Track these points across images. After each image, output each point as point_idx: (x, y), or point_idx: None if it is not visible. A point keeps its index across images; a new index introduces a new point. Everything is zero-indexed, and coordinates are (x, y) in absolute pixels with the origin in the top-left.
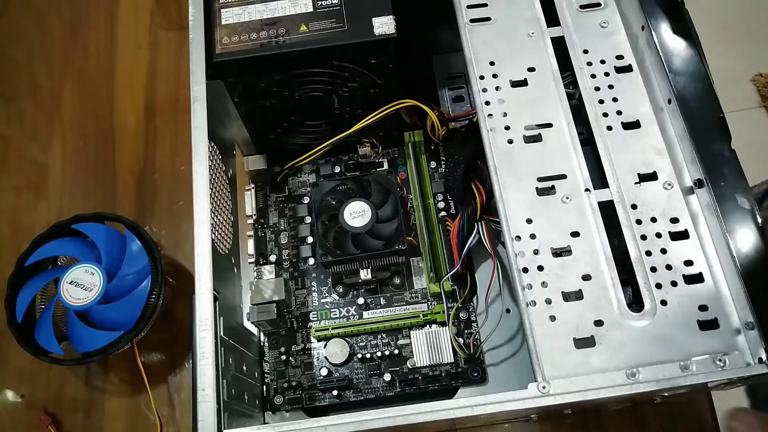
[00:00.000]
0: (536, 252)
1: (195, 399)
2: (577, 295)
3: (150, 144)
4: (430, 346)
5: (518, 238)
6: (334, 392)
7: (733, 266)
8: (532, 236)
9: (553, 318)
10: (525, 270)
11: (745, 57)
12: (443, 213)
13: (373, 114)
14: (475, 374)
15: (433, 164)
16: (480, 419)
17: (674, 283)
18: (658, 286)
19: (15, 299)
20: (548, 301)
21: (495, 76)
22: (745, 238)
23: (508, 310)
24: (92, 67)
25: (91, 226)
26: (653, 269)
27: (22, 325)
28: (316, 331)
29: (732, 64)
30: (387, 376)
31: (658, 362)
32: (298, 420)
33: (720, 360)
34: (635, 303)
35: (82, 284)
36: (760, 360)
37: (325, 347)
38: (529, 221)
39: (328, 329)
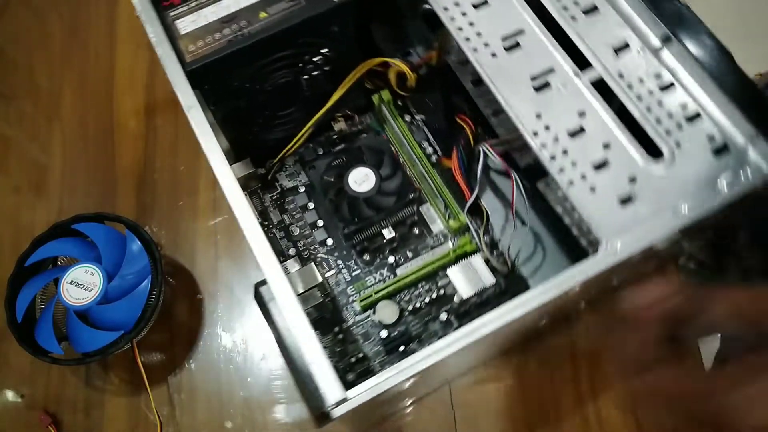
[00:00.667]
0: (556, 139)
1: (303, 380)
2: (605, 163)
3: (150, 144)
4: (468, 277)
5: (535, 133)
6: (400, 349)
7: (720, 95)
8: (547, 128)
9: (592, 189)
10: (553, 157)
11: (745, 57)
12: (434, 157)
13: (344, 83)
14: (519, 286)
15: (407, 117)
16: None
17: (679, 126)
18: (668, 133)
19: (15, 299)
20: (583, 177)
21: (457, 4)
22: (721, 68)
23: (524, 222)
24: (92, 67)
25: (91, 226)
26: (658, 121)
27: (22, 325)
28: (361, 301)
29: None
30: (443, 316)
31: (694, 193)
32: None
33: (743, 173)
34: (655, 154)
35: (82, 284)
36: None
37: (374, 313)
38: (538, 116)
39: (371, 295)
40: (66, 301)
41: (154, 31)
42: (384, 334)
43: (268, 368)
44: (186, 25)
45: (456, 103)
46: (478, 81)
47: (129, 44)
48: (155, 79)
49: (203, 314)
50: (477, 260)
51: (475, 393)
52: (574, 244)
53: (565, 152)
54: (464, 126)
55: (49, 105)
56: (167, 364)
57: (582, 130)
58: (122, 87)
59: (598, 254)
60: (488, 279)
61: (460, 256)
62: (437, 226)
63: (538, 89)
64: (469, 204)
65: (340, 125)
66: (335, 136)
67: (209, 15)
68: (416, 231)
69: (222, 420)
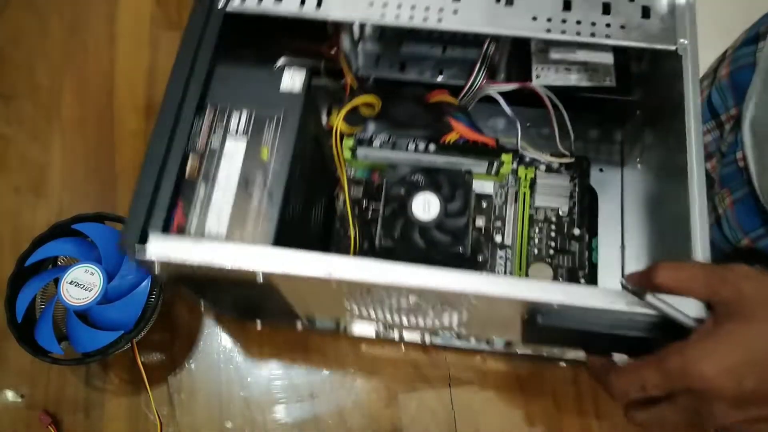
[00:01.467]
0: (564, 21)
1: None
2: (607, 6)
3: None
4: (553, 194)
5: (548, 30)
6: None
7: None
8: (548, 20)
9: (623, 26)
10: (578, 33)
11: None
12: (432, 145)
13: (336, 147)
14: (584, 163)
15: (376, 143)
16: None
17: None
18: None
19: (15, 299)
20: (608, 25)
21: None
22: None
23: (562, 115)
24: (92, 67)
25: (91, 226)
26: None
27: (22, 325)
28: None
29: None
30: (575, 232)
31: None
32: None
33: None
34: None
35: (82, 284)
36: None
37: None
38: (534, 18)
39: (518, 276)
40: (66, 301)
41: (213, 253)
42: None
43: (268, 368)
44: (217, 223)
45: (409, 95)
46: (403, 65)
47: (129, 44)
48: (155, 79)
49: (203, 314)
50: (544, 177)
51: (475, 393)
52: (602, 104)
53: (578, 22)
54: (441, 97)
55: (49, 105)
56: (167, 364)
57: (569, 1)
58: (122, 87)
59: (685, 58)
60: (565, 180)
61: (531, 186)
62: (490, 186)
63: (509, 4)
64: (519, 139)
65: (340, 202)
66: (369, 202)
67: (225, 198)
68: (484, 204)
69: (222, 420)
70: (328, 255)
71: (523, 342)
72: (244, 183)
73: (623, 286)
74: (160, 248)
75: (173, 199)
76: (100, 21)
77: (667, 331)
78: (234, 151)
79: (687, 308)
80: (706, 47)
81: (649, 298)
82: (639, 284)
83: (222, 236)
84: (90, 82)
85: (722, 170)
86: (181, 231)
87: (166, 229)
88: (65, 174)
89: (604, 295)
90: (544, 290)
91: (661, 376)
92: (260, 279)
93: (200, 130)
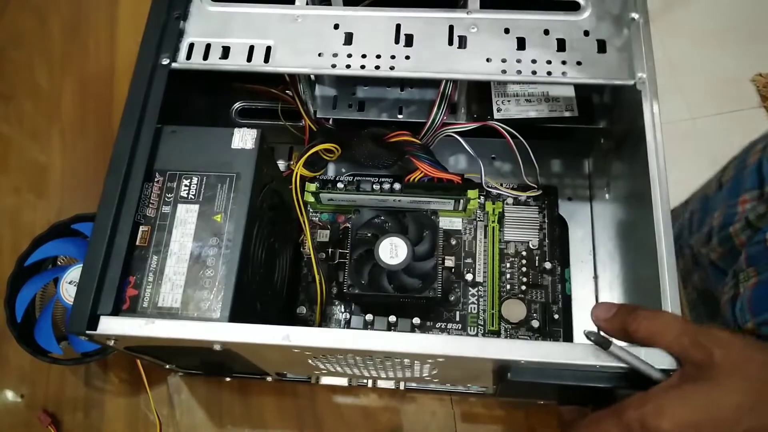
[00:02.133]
0: (519, 60)
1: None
2: (562, 42)
3: None
4: (522, 227)
5: (504, 71)
6: (555, 317)
7: None
8: (503, 60)
9: (579, 63)
10: (534, 72)
11: (745, 57)
12: (397, 185)
13: (295, 200)
14: (552, 192)
15: (339, 185)
16: None
17: None
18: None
19: (15, 299)
20: (563, 62)
21: (335, 54)
22: None
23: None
24: (92, 67)
25: (91, 226)
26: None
27: (22, 325)
28: (491, 326)
29: (732, 64)
30: (546, 266)
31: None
32: None
33: None
34: (575, 8)
35: None
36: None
37: (509, 322)
38: (488, 60)
39: (491, 313)
40: (65, 300)
41: (164, 331)
42: (536, 324)
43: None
44: (171, 294)
45: (370, 135)
46: (362, 105)
47: (129, 44)
48: None
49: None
50: (512, 210)
51: (475, 394)
52: (566, 133)
53: (533, 61)
54: (401, 137)
55: (49, 105)
56: None
57: (523, 39)
58: (122, 87)
59: (644, 92)
60: (534, 212)
61: (500, 220)
62: (459, 222)
63: (462, 47)
64: (483, 175)
65: (306, 248)
66: (336, 246)
67: (179, 267)
68: (453, 241)
69: (222, 420)
70: (282, 327)
71: (496, 395)
72: (198, 250)
73: (587, 337)
74: (111, 330)
75: (123, 274)
76: (100, 21)
77: (636, 383)
78: (186, 217)
79: (657, 358)
80: (706, 47)
81: (614, 349)
82: (611, 329)
83: (176, 307)
84: (90, 82)
85: (749, 249)
86: (134, 304)
87: (117, 305)
88: (65, 174)
89: (573, 351)
90: (511, 349)
91: (619, 430)
92: (218, 348)
93: (149, 197)
